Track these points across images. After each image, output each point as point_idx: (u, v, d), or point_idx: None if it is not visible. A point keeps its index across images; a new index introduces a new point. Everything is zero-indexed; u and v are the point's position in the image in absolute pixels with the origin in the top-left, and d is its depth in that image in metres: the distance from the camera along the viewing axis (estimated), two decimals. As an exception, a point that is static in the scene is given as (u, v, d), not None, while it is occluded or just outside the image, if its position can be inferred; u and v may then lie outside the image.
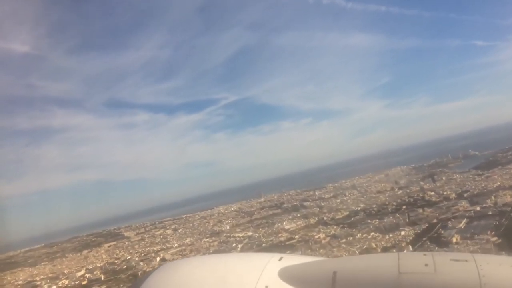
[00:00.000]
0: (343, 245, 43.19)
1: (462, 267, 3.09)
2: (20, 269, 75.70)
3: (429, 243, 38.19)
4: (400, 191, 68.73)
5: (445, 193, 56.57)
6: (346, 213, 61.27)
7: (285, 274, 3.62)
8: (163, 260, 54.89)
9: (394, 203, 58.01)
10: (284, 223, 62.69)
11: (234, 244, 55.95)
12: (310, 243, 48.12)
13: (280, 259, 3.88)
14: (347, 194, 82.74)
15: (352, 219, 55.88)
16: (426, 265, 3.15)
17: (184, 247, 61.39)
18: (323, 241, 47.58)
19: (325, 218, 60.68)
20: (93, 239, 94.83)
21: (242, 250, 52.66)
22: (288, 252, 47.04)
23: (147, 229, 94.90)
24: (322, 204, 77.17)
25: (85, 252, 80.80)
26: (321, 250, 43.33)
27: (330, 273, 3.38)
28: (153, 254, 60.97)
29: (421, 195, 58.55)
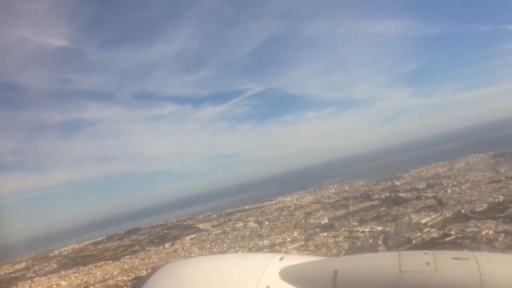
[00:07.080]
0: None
1: (463, 266, 3.04)
2: (103, 262, 70.93)
3: None
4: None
5: None
6: (484, 205, 54.45)
7: (286, 274, 3.56)
8: (287, 253, 48.90)
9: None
10: (412, 216, 56.09)
11: (370, 240, 49.50)
12: (481, 241, 41.43)
13: (281, 259, 3.85)
14: (445, 184, 75.68)
15: (506, 212, 49.16)
16: (427, 263, 3.09)
17: (302, 242, 55.33)
18: (499, 239, 40.92)
19: (462, 210, 53.97)
20: (164, 231, 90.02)
21: (389, 247, 46.26)
22: (465, 250, 40.41)
23: (220, 221, 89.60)
24: (428, 195, 70.39)
25: (167, 245, 75.76)
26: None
27: (331, 272, 3.32)
28: (266, 249, 55.08)
29: None
